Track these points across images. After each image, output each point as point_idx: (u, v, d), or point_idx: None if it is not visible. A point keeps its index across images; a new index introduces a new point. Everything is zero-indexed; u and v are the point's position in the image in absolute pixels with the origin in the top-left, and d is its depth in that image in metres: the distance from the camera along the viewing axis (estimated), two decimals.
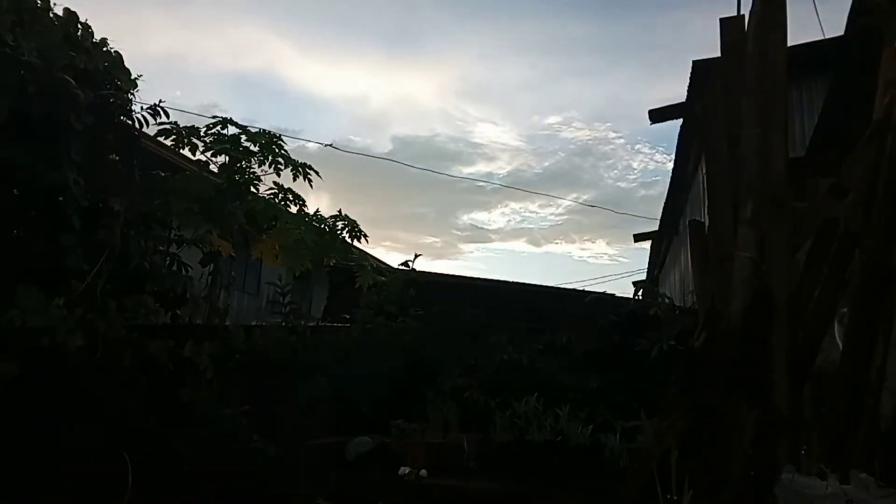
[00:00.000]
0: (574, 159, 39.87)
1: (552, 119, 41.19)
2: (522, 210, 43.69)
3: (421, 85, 37.94)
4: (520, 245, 44.16)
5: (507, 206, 42.94)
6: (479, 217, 42.55)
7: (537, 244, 43.19)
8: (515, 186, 47.49)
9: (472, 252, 43.33)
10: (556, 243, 43.23)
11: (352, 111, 39.33)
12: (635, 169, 38.27)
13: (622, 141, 39.00)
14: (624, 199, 41.30)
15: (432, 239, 41.31)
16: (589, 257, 42.35)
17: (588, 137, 38.62)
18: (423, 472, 4.80)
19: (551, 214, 45.56)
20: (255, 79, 32.50)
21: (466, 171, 39.10)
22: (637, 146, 37.84)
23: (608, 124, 36.42)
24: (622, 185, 39.80)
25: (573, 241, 43.53)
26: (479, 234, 41.64)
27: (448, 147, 37.03)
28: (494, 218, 42.48)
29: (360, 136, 38.67)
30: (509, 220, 42.42)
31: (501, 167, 39.47)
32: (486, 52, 34.82)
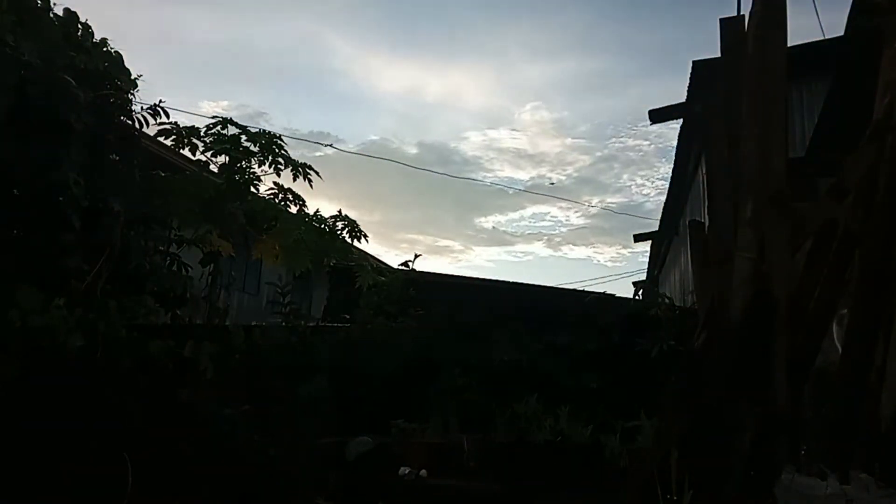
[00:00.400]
0: (601, 165, 39.86)
1: (582, 126, 41.13)
2: (543, 214, 43.75)
3: (455, 87, 38.28)
4: (538, 248, 44.34)
5: (526, 209, 42.97)
6: (499, 220, 42.78)
7: (556, 247, 43.48)
8: (535, 191, 47.38)
9: (491, 255, 43.62)
10: (575, 246, 43.58)
11: (388, 113, 39.59)
12: (665, 176, 38.24)
13: (652, 147, 38.93)
14: (652, 205, 41.26)
15: (450, 242, 41.47)
16: (607, 261, 42.60)
17: (618, 144, 38.56)
18: (424, 472, 4.80)
19: (572, 218, 45.68)
20: (300, 81, 32.64)
21: (491, 175, 39.53)
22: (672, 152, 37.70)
23: (637, 130, 36.37)
24: (648, 191, 39.78)
25: (591, 245, 43.91)
26: (498, 237, 41.88)
27: (474, 152, 37.15)
28: (514, 221, 42.58)
29: (394, 139, 38.73)
30: (528, 224, 42.52)
31: (528, 172, 39.58)
32: (520, 56, 34.92)
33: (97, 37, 5.47)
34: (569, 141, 40.52)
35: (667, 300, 6.41)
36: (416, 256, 7.00)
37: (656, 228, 16.01)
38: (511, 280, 8.47)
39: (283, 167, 6.12)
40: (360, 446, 5.05)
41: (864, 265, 3.37)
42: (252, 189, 6.19)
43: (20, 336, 4.22)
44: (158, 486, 4.27)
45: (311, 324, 6.46)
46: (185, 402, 4.90)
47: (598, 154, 39.19)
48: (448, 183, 36.57)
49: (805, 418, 3.59)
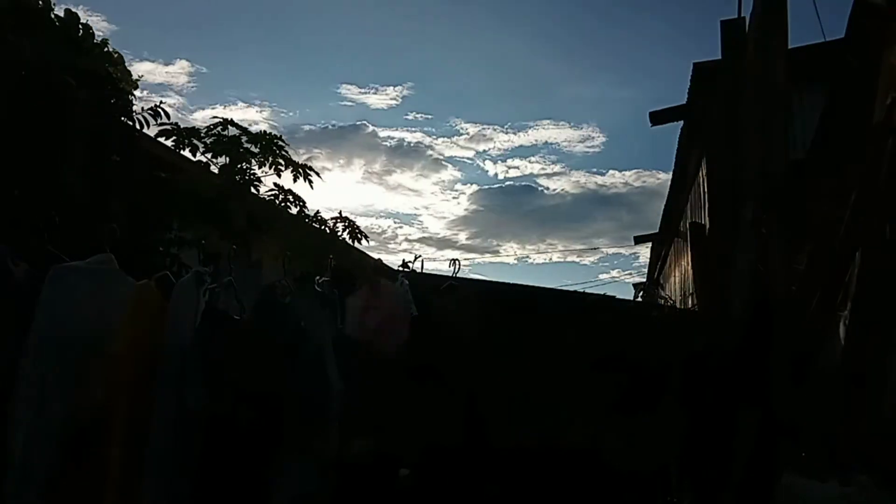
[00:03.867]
0: None
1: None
2: None
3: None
4: None
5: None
6: None
7: None
8: None
9: None
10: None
11: None
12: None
13: None
14: None
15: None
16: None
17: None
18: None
19: None
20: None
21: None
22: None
23: None
24: None
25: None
26: None
27: None
28: None
29: None
30: None
31: None
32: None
33: (98, 37, 5.48)
34: None
35: (669, 301, 6.40)
36: (416, 258, 6.96)
37: (657, 230, 16.00)
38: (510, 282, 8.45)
39: (283, 168, 6.13)
40: (360, 447, 5.04)
41: (865, 267, 3.37)
42: (252, 190, 6.20)
43: None
44: None
45: None
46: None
47: None
48: None
49: (805, 420, 3.59)
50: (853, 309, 3.41)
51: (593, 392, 5.59)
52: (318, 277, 3.64)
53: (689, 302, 8.00)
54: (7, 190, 4.77)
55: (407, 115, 42.03)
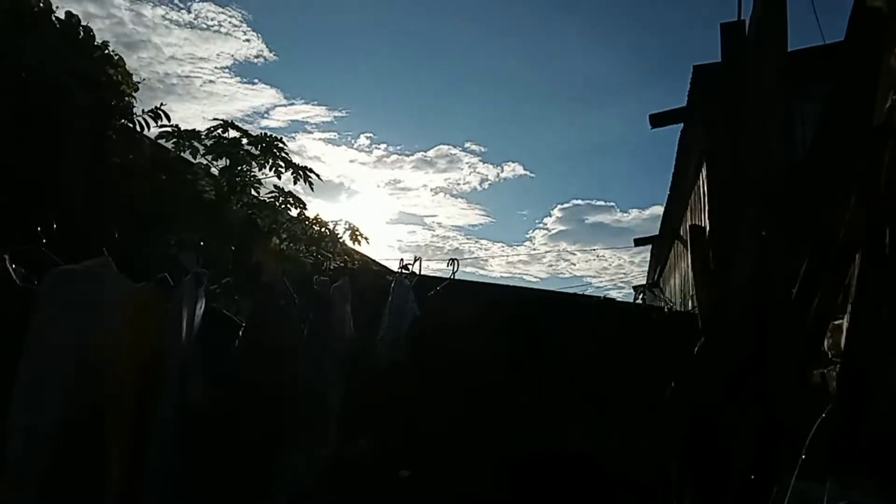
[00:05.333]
0: None
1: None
2: None
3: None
4: None
5: None
6: None
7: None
8: None
9: None
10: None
11: None
12: None
13: None
14: None
15: None
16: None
17: None
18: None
19: None
20: None
21: None
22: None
23: None
24: None
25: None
26: None
27: None
28: None
29: None
30: None
31: None
32: None
33: (98, 40, 5.48)
34: None
35: (669, 304, 6.40)
36: (416, 259, 6.97)
37: (657, 232, 16.00)
38: (512, 284, 8.47)
39: (283, 170, 6.13)
40: (360, 449, 5.04)
41: (865, 269, 3.37)
42: (253, 192, 6.20)
43: None
44: None
45: None
46: None
47: None
48: None
49: (805, 422, 3.58)
50: (853, 310, 3.40)
51: (593, 393, 5.60)
52: (316, 277, 3.64)
53: (690, 304, 7.99)
54: (7, 192, 4.77)
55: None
